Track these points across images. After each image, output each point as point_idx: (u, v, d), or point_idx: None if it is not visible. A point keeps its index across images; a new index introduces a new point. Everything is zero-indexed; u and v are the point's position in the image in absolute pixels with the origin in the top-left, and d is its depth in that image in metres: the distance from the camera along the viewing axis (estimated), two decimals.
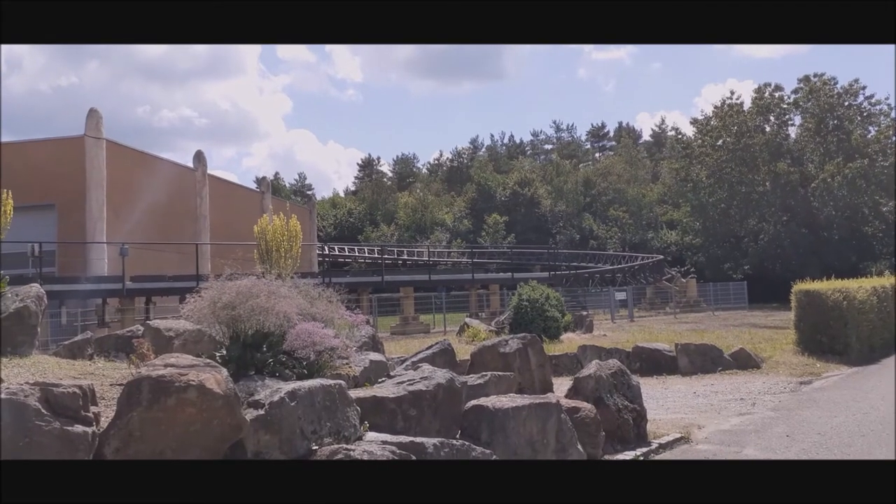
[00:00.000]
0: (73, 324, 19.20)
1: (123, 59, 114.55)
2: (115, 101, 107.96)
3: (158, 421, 4.13)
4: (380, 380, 6.31)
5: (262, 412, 4.50)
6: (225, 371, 4.52)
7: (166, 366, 4.36)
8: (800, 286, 15.59)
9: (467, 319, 20.91)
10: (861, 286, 16.19)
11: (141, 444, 4.10)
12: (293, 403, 4.63)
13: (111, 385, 5.42)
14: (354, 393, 5.41)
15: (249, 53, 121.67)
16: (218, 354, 5.51)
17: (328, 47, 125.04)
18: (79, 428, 4.00)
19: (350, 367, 6.10)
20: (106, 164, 22.28)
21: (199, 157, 27.75)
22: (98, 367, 6.20)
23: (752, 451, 7.09)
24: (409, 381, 5.81)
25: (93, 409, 4.32)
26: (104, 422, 4.34)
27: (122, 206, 23.08)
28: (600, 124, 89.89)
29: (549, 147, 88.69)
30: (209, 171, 28.11)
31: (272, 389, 4.75)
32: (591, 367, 7.62)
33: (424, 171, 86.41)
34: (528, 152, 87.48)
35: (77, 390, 4.11)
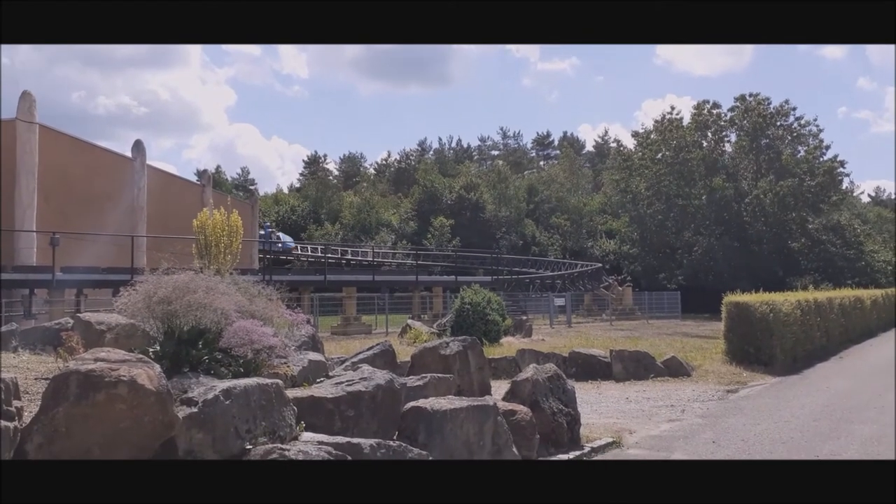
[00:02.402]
0: None
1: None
2: (49, 86, 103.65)
3: (86, 417, 4.01)
4: (318, 380, 6.26)
5: (195, 410, 4.42)
6: (158, 367, 4.42)
7: (96, 360, 4.24)
8: (730, 298, 16.19)
9: (410, 321, 20.94)
10: (786, 299, 16.93)
11: (67, 441, 3.97)
12: (228, 402, 4.56)
13: (36, 379, 5.23)
14: (292, 392, 5.36)
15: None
16: (151, 350, 5.38)
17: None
18: (0, 423, 3.85)
19: (288, 366, 6.03)
20: (38, 150, 21.39)
21: (139, 147, 26.88)
22: (23, 360, 5.96)
23: (680, 456, 7.34)
24: (347, 381, 5.79)
25: (16, 403, 4.17)
26: (27, 417, 4.18)
27: (54, 194, 22.18)
28: (545, 133, 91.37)
29: (495, 153, 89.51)
30: (148, 162, 27.29)
31: (207, 387, 4.67)
32: (529, 371, 7.75)
33: (371, 171, 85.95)
34: (476, 157, 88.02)
35: None
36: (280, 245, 40.70)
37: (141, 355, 4.60)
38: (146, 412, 4.12)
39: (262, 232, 39.80)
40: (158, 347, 5.48)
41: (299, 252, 44.18)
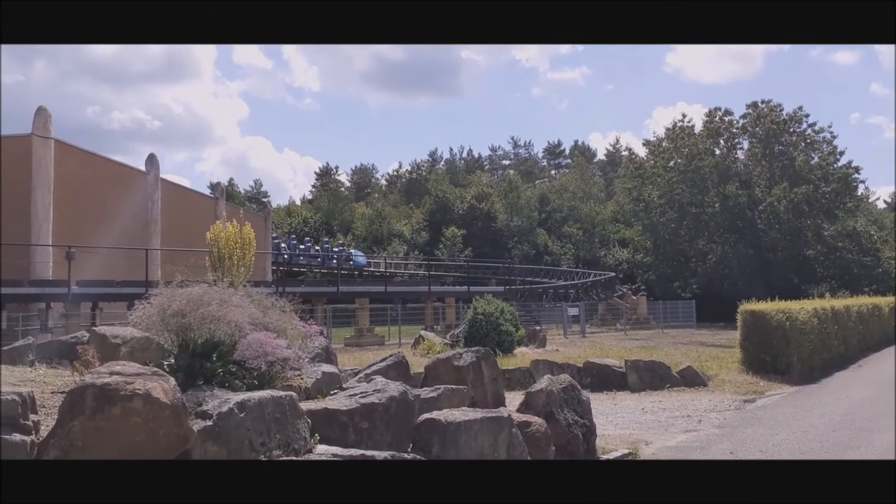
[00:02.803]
0: (13, 328, 18.50)
1: (73, 58, 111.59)
2: (64, 101, 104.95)
3: (102, 430, 4.02)
4: (332, 392, 6.25)
5: (209, 423, 4.42)
6: (173, 380, 4.43)
7: (112, 373, 4.25)
8: (745, 306, 16.04)
9: (422, 332, 20.90)
10: (803, 307, 16.75)
11: (82, 455, 3.98)
12: (242, 415, 4.56)
13: (52, 393, 5.25)
14: (306, 405, 5.35)
15: (205, 58, 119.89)
16: (166, 363, 5.39)
17: (286, 54, 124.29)
18: (17, 437, 3.86)
19: (302, 378, 6.03)
20: (54, 165, 21.63)
21: (152, 160, 27.14)
22: (39, 373, 6.00)
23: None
24: (361, 393, 5.77)
25: (32, 417, 4.18)
26: (44, 431, 4.20)
27: (69, 208, 22.40)
28: (556, 142, 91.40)
29: (506, 163, 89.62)
30: (161, 175, 27.53)
31: (221, 400, 4.67)
32: (543, 382, 7.69)
33: (383, 182, 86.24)
34: (487, 167, 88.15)
35: (16, 397, 3.98)
36: (352, 262, 41.28)
37: (156, 368, 4.61)
38: (161, 425, 4.13)
39: (336, 249, 42.70)
40: (173, 360, 5.49)
41: (371, 269, 44.81)
